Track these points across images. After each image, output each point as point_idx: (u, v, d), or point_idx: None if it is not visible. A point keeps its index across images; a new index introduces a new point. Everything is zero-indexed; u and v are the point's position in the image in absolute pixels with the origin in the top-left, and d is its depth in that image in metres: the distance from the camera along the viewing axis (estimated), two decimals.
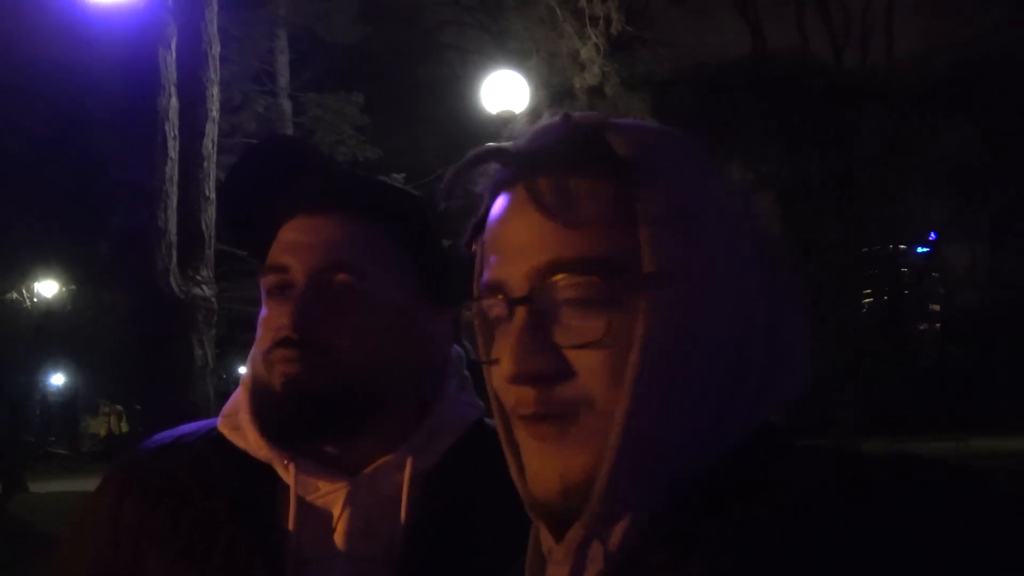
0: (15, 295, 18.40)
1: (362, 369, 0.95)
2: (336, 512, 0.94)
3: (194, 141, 5.09)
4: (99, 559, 0.97)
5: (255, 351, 0.98)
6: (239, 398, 1.00)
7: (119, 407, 27.83)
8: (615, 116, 0.65)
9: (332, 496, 0.94)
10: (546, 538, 0.63)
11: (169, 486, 0.97)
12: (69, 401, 31.28)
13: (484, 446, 0.97)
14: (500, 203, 0.63)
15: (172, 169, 4.86)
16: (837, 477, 0.54)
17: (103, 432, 29.88)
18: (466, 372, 1.06)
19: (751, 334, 0.61)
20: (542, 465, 0.61)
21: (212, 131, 5.28)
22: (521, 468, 0.64)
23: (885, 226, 21.45)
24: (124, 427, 26.71)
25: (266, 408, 0.96)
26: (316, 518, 0.94)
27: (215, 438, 0.99)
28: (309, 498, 0.95)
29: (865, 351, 19.31)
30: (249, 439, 0.97)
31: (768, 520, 0.53)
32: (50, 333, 19.62)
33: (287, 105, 12.25)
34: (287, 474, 0.95)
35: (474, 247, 0.67)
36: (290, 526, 0.93)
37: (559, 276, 0.59)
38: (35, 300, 18.99)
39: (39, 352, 20.56)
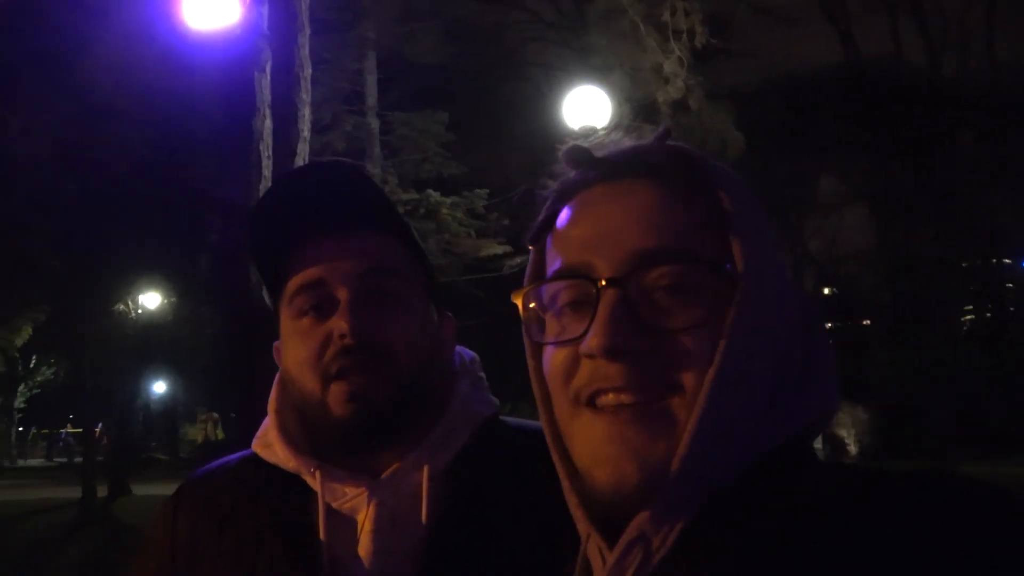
0: (121, 307, 19.37)
1: (414, 372, 0.99)
2: (363, 513, 0.99)
3: (286, 160, 5.28)
4: (160, 571, 1.07)
5: (291, 375, 1.02)
6: (268, 420, 1.07)
7: (215, 415, 28.81)
8: (700, 129, 0.73)
9: (358, 499, 0.99)
10: (594, 547, 0.65)
11: (215, 505, 1.06)
12: (169, 409, 32.62)
13: (500, 440, 1.03)
14: (579, 202, 0.68)
15: (265, 188, 5.07)
16: (849, 489, 0.57)
17: (200, 438, 30.96)
18: (481, 373, 1.10)
19: (790, 352, 0.66)
20: (616, 450, 0.61)
21: (303, 150, 5.48)
22: (570, 468, 0.65)
23: (986, 240, 20.41)
24: (219, 434, 27.58)
25: (325, 427, 0.99)
26: (345, 520, 0.99)
27: (252, 459, 1.07)
28: (336, 503, 1.00)
29: (966, 369, 18.42)
30: (278, 453, 1.03)
31: (779, 529, 0.56)
32: (153, 343, 20.56)
33: (375, 124, 12.57)
34: (314, 481, 1.00)
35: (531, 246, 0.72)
36: (321, 529, 0.98)
37: (660, 264, 0.63)
38: (139, 312, 19.95)
39: (142, 361, 21.53)
